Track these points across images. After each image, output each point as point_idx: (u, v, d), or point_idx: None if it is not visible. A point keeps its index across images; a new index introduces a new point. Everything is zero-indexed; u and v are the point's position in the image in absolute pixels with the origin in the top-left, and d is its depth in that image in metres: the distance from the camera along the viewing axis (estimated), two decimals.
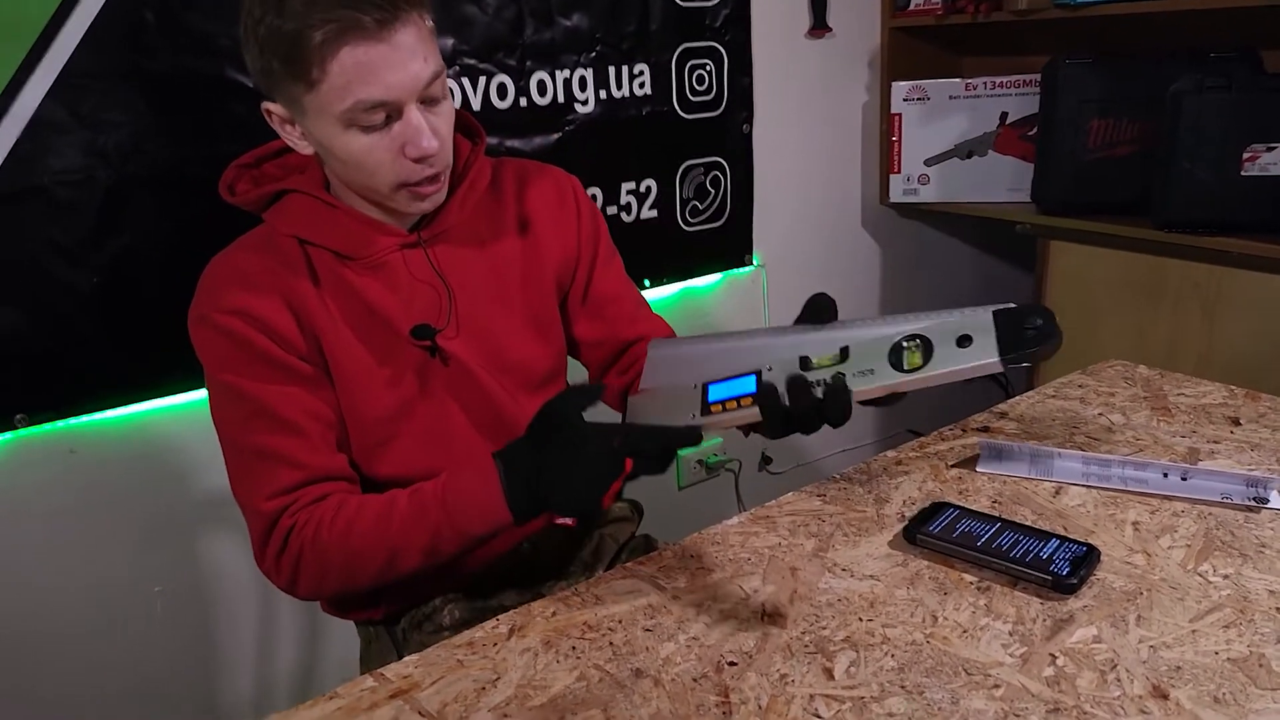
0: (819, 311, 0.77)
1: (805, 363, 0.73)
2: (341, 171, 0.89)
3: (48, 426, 1.36)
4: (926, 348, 0.70)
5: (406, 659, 0.76)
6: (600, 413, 0.80)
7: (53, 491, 1.39)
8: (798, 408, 0.71)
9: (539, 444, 0.79)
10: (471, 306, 0.96)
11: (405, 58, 0.80)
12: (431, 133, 0.83)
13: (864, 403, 0.73)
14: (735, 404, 0.74)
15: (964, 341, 0.68)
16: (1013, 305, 0.70)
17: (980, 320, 0.69)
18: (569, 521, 0.79)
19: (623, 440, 0.76)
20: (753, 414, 0.73)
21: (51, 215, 1.31)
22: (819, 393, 0.71)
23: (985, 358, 0.68)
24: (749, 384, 0.73)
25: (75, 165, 1.31)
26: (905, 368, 0.70)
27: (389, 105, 0.81)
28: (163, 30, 1.33)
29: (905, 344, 0.70)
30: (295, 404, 0.88)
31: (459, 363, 0.95)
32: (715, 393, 0.75)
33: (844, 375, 0.71)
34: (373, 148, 0.83)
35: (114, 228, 1.35)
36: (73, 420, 1.38)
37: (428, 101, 0.84)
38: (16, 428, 1.33)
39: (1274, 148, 1.60)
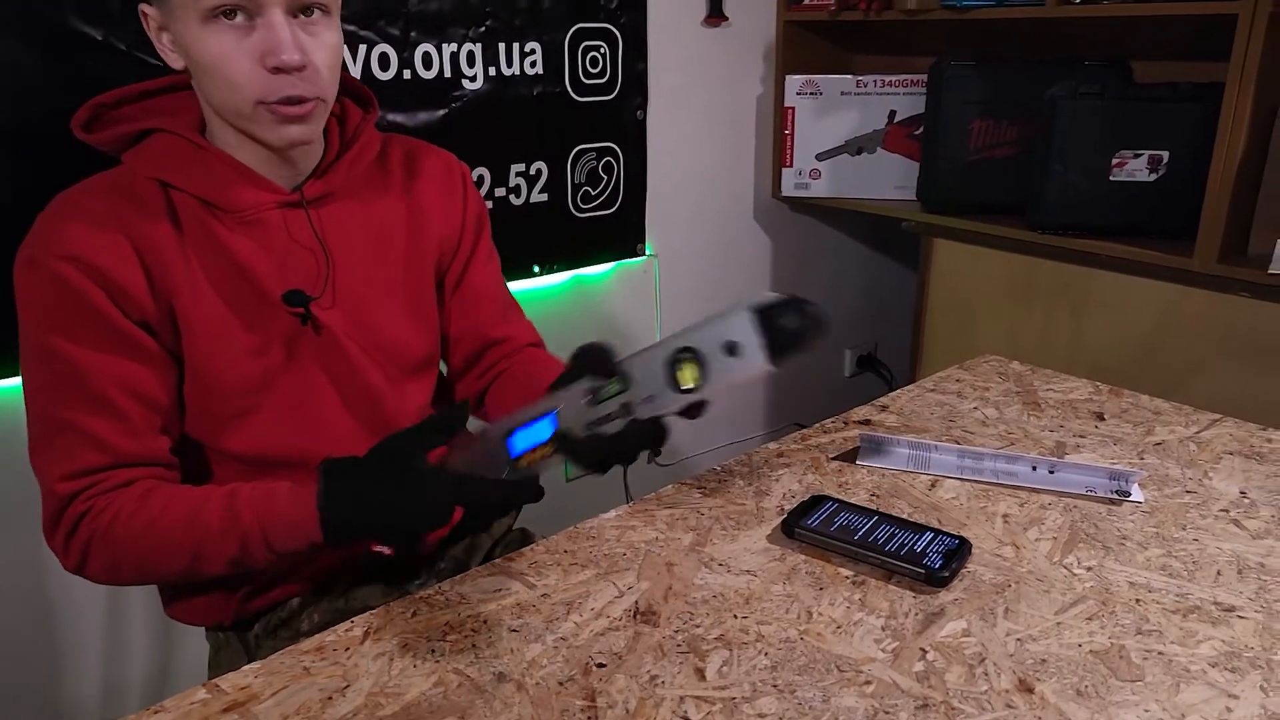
0: (595, 359, 0.74)
1: (594, 397, 0.71)
2: (205, 85, 0.81)
3: None
4: (699, 361, 0.68)
5: (246, 668, 0.70)
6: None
7: None
8: (594, 444, 0.70)
9: (371, 473, 0.74)
10: (350, 277, 0.90)
11: None
12: (296, 46, 0.77)
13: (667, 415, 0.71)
14: (536, 452, 0.72)
15: (732, 349, 0.67)
16: (772, 299, 0.68)
17: (742, 325, 0.67)
18: (386, 550, 0.75)
19: (461, 492, 0.72)
20: (556, 459, 0.72)
21: None
22: (613, 427, 0.70)
23: (756, 363, 0.67)
24: (545, 429, 0.72)
25: None
26: (682, 387, 0.68)
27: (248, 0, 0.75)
28: None
29: (677, 361, 0.69)
30: (118, 379, 0.80)
31: (331, 335, 0.89)
32: (519, 441, 0.73)
33: (631, 404, 0.69)
34: (232, 52, 0.76)
35: None
36: None
37: (299, 13, 0.78)
38: None
39: (1141, 154, 1.68)
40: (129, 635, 1.53)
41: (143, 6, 0.81)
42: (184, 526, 0.79)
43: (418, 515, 0.72)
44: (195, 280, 0.83)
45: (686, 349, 0.68)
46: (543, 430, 0.72)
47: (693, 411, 0.71)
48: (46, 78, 1.27)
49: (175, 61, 0.82)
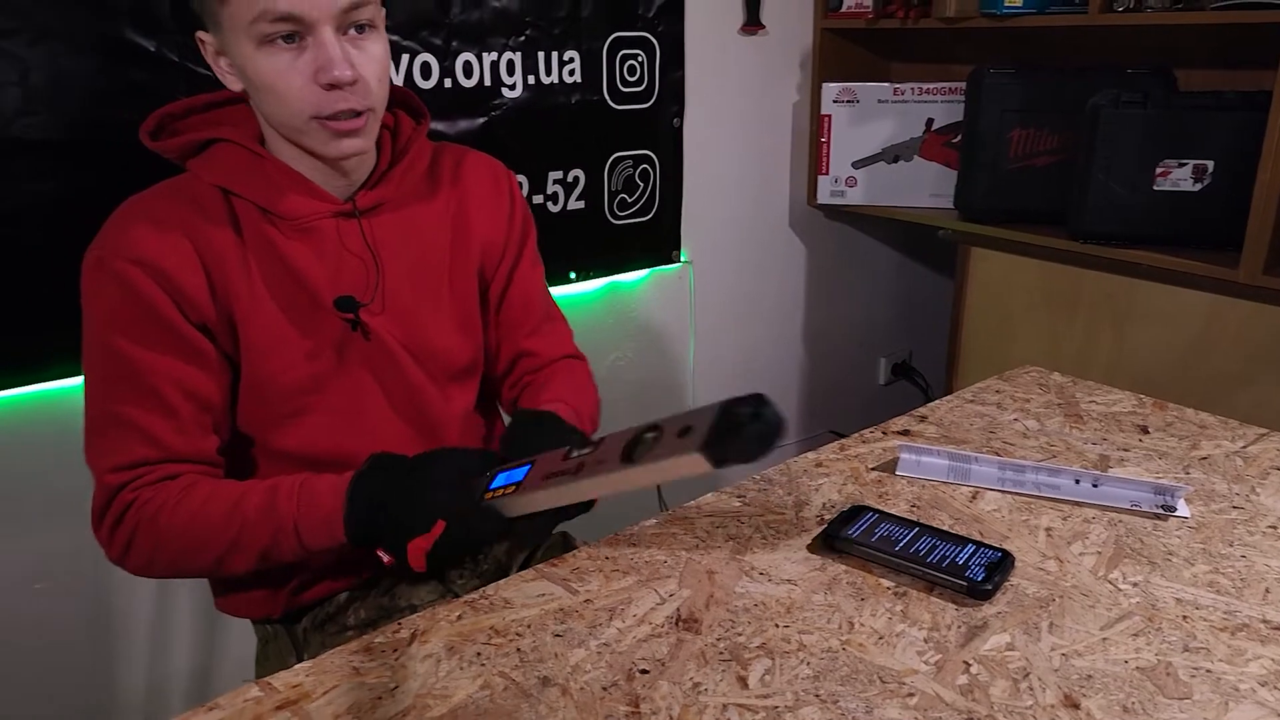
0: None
1: (568, 453, 0.70)
2: (261, 104, 0.84)
3: None
4: (658, 439, 0.61)
5: (297, 666, 0.71)
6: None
7: None
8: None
9: (403, 470, 0.79)
10: (398, 286, 0.92)
11: None
12: (347, 62, 0.79)
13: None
14: (500, 491, 0.73)
15: (685, 432, 0.59)
16: (744, 396, 0.59)
17: (707, 413, 0.59)
18: (386, 559, 0.78)
19: (443, 499, 0.75)
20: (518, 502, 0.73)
21: None
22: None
23: (689, 450, 0.57)
24: (521, 473, 0.73)
25: None
26: (633, 459, 0.62)
27: (299, 21, 0.78)
28: None
29: (645, 435, 0.62)
30: (173, 378, 0.82)
31: (380, 340, 0.91)
32: (498, 480, 0.75)
33: (583, 465, 0.67)
34: (285, 70, 0.79)
35: None
36: None
37: (349, 30, 0.80)
38: None
39: (1185, 164, 1.66)
40: (173, 631, 1.56)
41: (200, 34, 0.84)
42: (224, 516, 0.82)
43: (416, 520, 0.75)
44: (254, 284, 0.85)
45: (655, 426, 0.62)
46: (518, 473, 0.73)
47: (569, 511, 0.73)
48: (101, 88, 1.30)
49: (233, 84, 0.84)
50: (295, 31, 0.78)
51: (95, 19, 1.28)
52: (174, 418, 0.83)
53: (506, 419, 1.04)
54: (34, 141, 1.26)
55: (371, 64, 0.82)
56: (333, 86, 0.79)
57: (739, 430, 0.57)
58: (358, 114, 0.82)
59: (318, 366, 0.89)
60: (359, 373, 0.91)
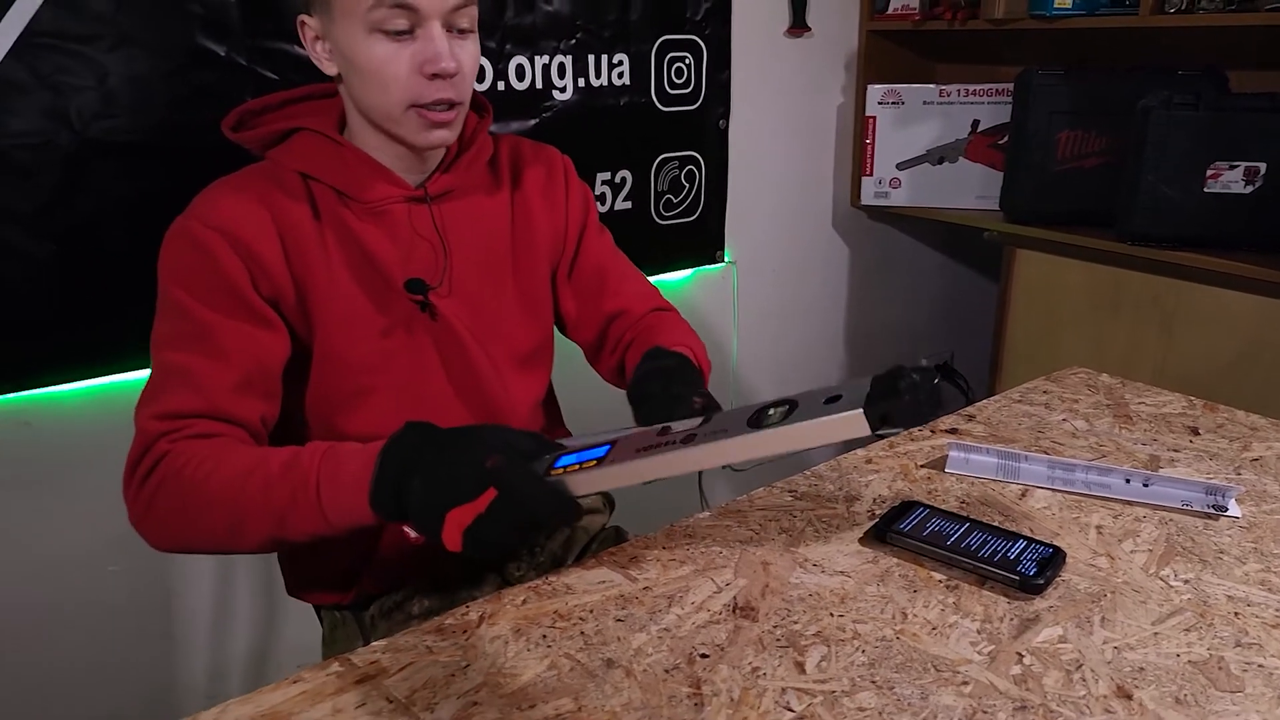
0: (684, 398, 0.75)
1: (665, 429, 0.68)
2: (360, 89, 0.87)
3: (3, 399, 1.32)
4: (791, 409, 0.63)
5: (374, 644, 0.75)
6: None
7: (6, 465, 1.34)
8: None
9: (442, 438, 0.71)
10: (464, 269, 0.96)
11: None
12: (452, 56, 0.84)
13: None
14: (577, 466, 0.68)
15: (832, 400, 0.61)
16: (910, 368, 0.61)
17: (857, 385, 0.61)
18: (415, 536, 0.69)
19: (496, 464, 0.67)
20: (596, 479, 0.69)
21: (8, 180, 1.26)
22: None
23: (847, 409, 0.59)
24: (600, 451, 0.68)
25: (35, 128, 1.26)
26: (764, 423, 0.62)
27: (413, 12, 0.82)
28: None
29: (771, 409, 0.63)
30: (238, 337, 0.84)
31: (446, 322, 0.95)
32: (564, 459, 0.70)
33: (694, 436, 0.66)
34: (391, 58, 0.83)
35: (75, 194, 1.31)
36: (29, 393, 1.33)
37: (453, 29, 0.85)
38: None
39: (1236, 166, 1.65)
40: (233, 615, 1.61)
41: (301, 17, 0.88)
42: (245, 470, 0.77)
43: (461, 486, 0.67)
44: (331, 261, 0.89)
45: (785, 400, 0.64)
46: (595, 453, 0.69)
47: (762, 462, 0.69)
48: (174, 91, 1.35)
49: (329, 68, 0.89)
50: (408, 22, 0.83)
51: (170, 25, 1.33)
52: (230, 373, 0.83)
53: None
54: (112, 143, 1.32)
55: (469, 60, 0.87)
56: (436, 77, 0.84)
57: (902, 394, 0.58)
58: (451, 106, 0.87)
59: (387, 344, 0.93)
60: (425, 353, 0.95)
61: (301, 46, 0.91)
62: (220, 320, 0.84)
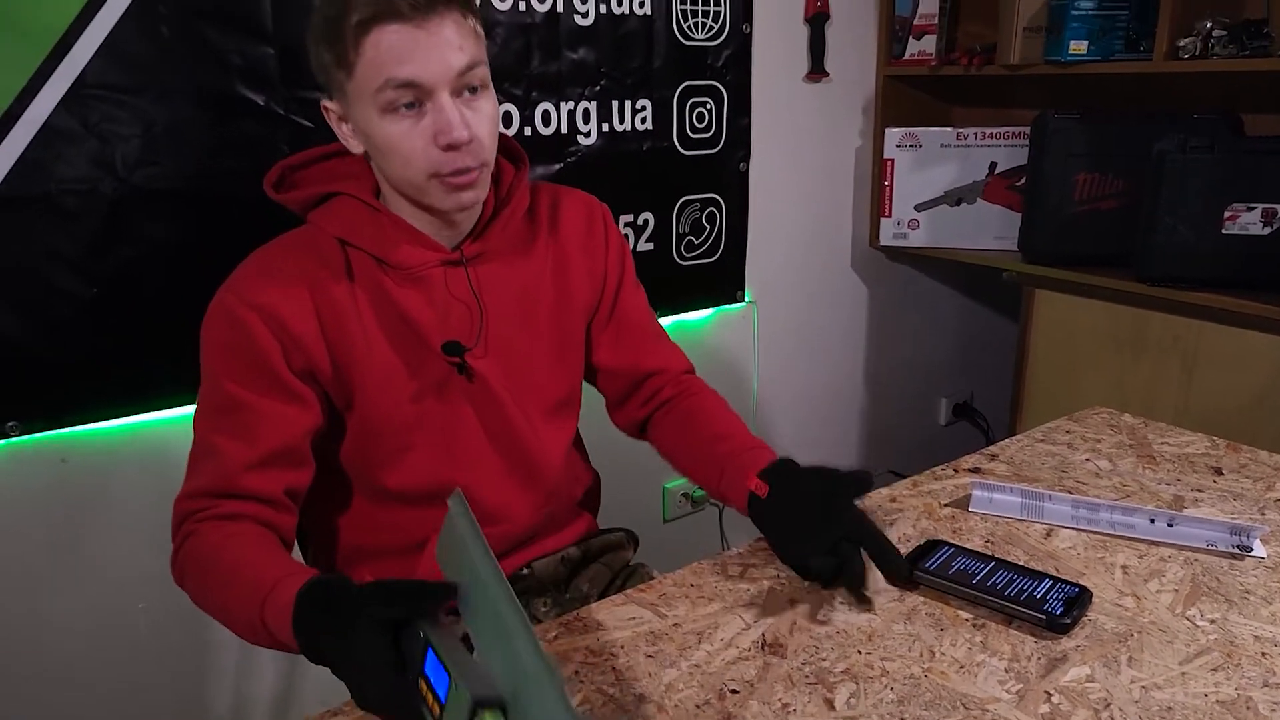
0: None
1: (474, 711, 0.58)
2: (383, 164, 0.90)
3: (40, 436, 1.35)
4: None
5: None
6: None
7: (42, 500, 1.37)
8: None
9: (329, 641, 0.69)
10: (500, 328, 0.98)
11: (438, 44, 0.82)
12: (464, 124, 0.85)
13: None
14: (428, 690, 0.62)
15: None
16: None
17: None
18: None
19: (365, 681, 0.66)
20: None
21: (55, 223, 1.31)
22: None
23: None
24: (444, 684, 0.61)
25: (82, 175, 1.31)
26: None
27: (418, 88, 0.83)
28: (178, 45, 1.35)
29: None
30: (267, 416, 0.88)
31: (483, 381, 0.97)
32: (429, 666, 0.63)
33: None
34: (406, 134, 0.85)
35: (117, 239, 1.35)
36: (66, 430, 1.37)
37: (463, 92, 0.86)
38: (9, 435, 1.32)
39: (1254, 208, 1.66)
40: (258, 655, 1.62)
41: (325, 103, 0.91)
42: (226, 577, 0.81)
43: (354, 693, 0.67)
44: (368, 329, 0.92)
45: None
46: (442, 686, 0.61)
47: None
48: (214, 140, 1.40)
49: (356, 147, 0.91)
50: (416, 98, 0.84)
51: (211, 76, 1.38)
52: (253, 450, 0.87)
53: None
54: (153, 190, 1.36)
55: (484, 122, 0.88)
56: (450, 147, 0.85)
57: None
58: (471, 169, 0.88)
59: (424, 405, 0.95)
60: (462, 410, 0.97)
61: None
62: (251, 398, 0.88)
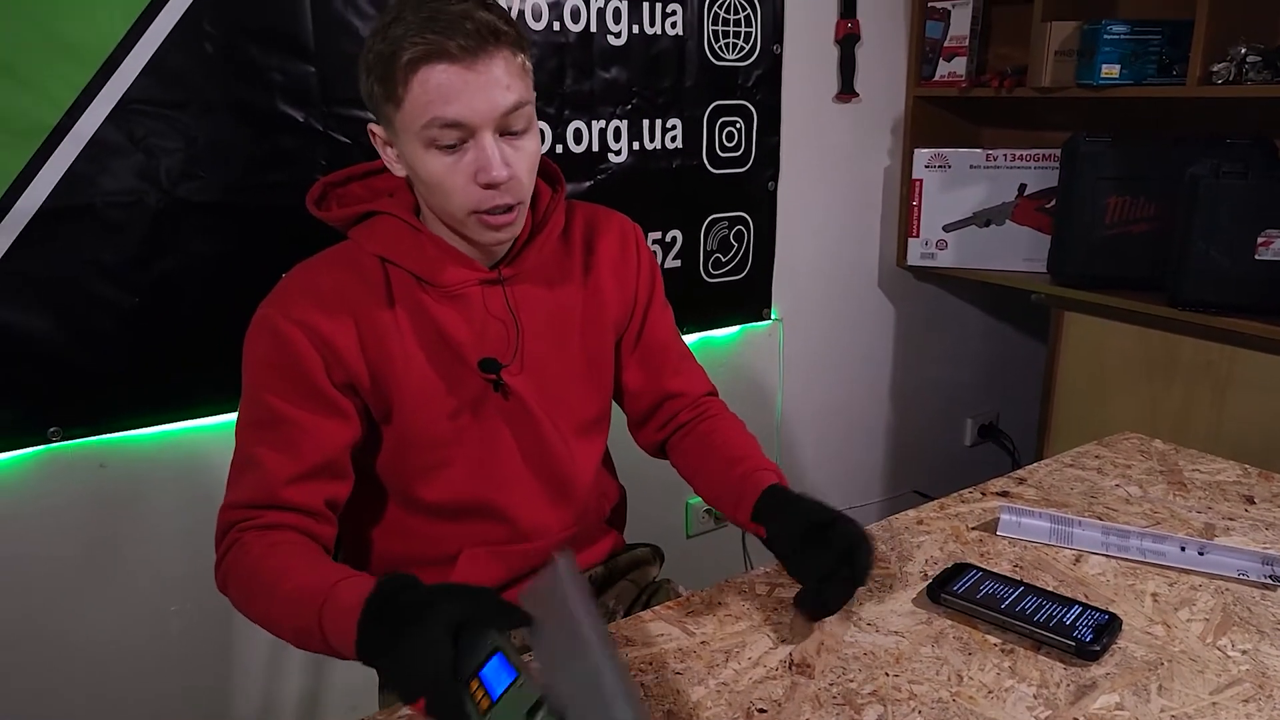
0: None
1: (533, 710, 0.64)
2: (425, 194, 0.92)
3: (80, 442, 1.38)
4: None
5: None
6: None
7: (80, 505, 1.40)
8: None
9: (396, 628, 0.71)
10: (535, 345, 0.99)
11: (485, 84, 0.84)
12: (504, 163, 0.86)
13: None
14: (484, 694, 0.67)
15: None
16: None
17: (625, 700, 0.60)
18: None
19: (425, 686, 0.67)
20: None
21: (100, 234, 1.34)
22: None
23: None
24: (508, 679, 0.67)
25: (127, 188, 1.35)
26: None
27: (464, 127, 0.85)
28: (222, 62, 1.38)
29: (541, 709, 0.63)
30: (308, 429, 0.89)
31: (518, 398, 0.98)
32: (490, 672, 0.68)
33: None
34: (448, 170, 0.87)
35: (159, 250, 1.38)
36: (105, 436, 1.40)
37: (506, 132, 0.87)
38: (50, 441, 1.35)
39: None
40: (286, 658, 1.64)
41: (371, 126, 0.93)
42: (270, 585, 0.82)
43: (405, 690, 0.69)
44: (407, 346, 0.93)
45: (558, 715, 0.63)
46: (503, 680, 0.67)
47: None
48: (256, 154, 1.43)
49: (399, 170, 0.93)
50: (460, 138, 0.86)
51: (253, 92, 1.41)
52: (295, 464, 0.89)
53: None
54: (195, 203, 1.40)
55: (524, 159, 0.89)
56: (490, 185, 0.87)
57: None
58: (510, 209, 0.90)
59: (461, 421, 0.97)
60: (497, 426, 0.99)
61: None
62: (293, 411, 0.90)
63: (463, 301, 0.95)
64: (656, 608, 0.90)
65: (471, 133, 0.86)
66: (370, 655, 0.73)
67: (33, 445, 1.35)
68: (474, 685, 0.68)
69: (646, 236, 1.89)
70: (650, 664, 0.81)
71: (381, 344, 0.92)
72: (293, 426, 0.89)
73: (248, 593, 0.86)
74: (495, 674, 0.68)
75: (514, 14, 1.63)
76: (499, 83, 0.85)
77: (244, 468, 0.90)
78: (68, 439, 1.37)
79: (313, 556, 0.86)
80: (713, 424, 1.08)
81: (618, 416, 1.13)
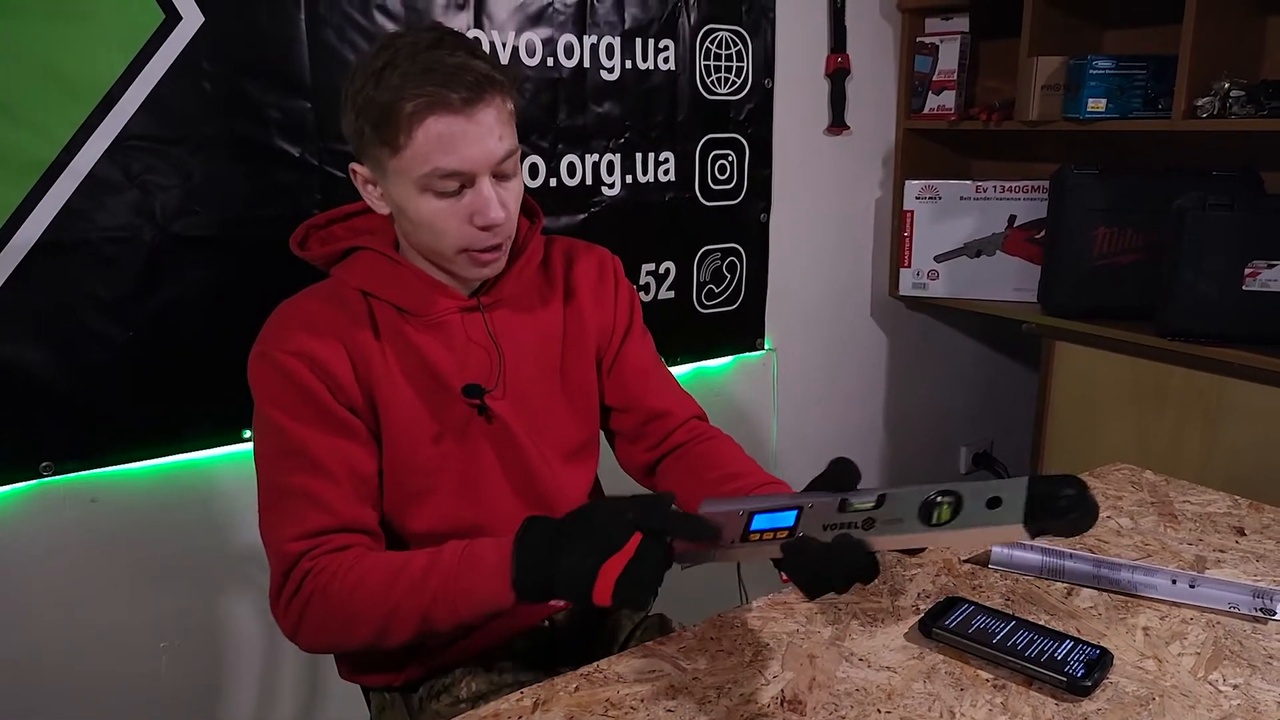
0: (843, 475, 0.78)
1: (844, 504, 0.73)
2: (411, 232, 0.94)
3: (71, 476, 1.38)
4: (957, 505, 0.69)
5: None
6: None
7: (71, 539, 1.40)
8: (816, 559, 0.71)
9: (569, 521, 0.79)
10: (517, 371, 1.01)
11: (484, 134, 0.87)
12: (500, 205, 0.90)
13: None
14: (772, 535, 0.74)
15: (994, 503, 0.66)
16: (1052, 475, 0.67)
17: (1014, 486, 0.66)
18: (562, 603, 0.80)
19: (637, 514, 0.76)
20: (775, 549, 0.74)
21: (95, 269, 1.35)
22: (852, 535, 0.71)
23: (1009, 521, 0.65)
24: (788, 518, 0.75)
25: (123, 223, 1.36)
26: (933, 522, 0.68)
27: (463, 175, 0.88)
28: (219, 99, 1.40)
29: (938, 499, 0.69)
30: (334, 453, 0.91)
31: (502, 422, 0.99)
32: (758, 522, 0.76)
33: (874, 521, 0.71)
34: (443, 213, 0.89)
35: (154, 284, 1.39)
36: (97, 470, 1.40)
37: (499, 176, 0.91)
38: (42, 476, 1.35)
39: (1275, 264, 1.67)
40: (277, 693, 1.63)
41: (354, 165, 0.94)
42: (388, 579, 0.85)
43: (596, 540, 0.75)
44: (392, 374, 0.95)
45: (949, 492, 0.69)
46: (784, 519, 0.75)
47: (914, 551, 0.74)
48: (251, 189, 1.45)
49: (381, 209, 0.95)
50: (460, 184, 0.88)
51: (250, 128, 1.43)
52: (342, 487, 0.91)
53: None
54: (190, 238, 1.41)
55: (512, 200, 0.93)
56: (486, 228, 0.90)
57: (1064, 511, 0.64)
58: (499, 246, 0.93)
59: (445, 447, 0.98)
60: (482, 451, 1.00)
61: None
62: (314, 437, 0.90)
63: (443, 329, 0.97)
64: (648, 643, 0.90)
65: (471, 180, 0.88)
66: (536, 568, 0.78)
67: (24, 480, 1.35)
68: (752, 536, 0.75)
69: (639, 268, 1.91)
70: (642, 701, 0.80)
71: (370, 372, 0.94)
72: (321, 452, 0.90)
73: (347, 603, 0.85)
74: (771, 520, 0.75)
75: (508, 50, 1.65)
76: (494, 132, 0.88)
77: (286, 498, 0.90)
78: (59, 474, 1.37)
79: (408, 553, 0.88)
80: (709, 444, 1.09)
81: (608, 447, 1.14)
